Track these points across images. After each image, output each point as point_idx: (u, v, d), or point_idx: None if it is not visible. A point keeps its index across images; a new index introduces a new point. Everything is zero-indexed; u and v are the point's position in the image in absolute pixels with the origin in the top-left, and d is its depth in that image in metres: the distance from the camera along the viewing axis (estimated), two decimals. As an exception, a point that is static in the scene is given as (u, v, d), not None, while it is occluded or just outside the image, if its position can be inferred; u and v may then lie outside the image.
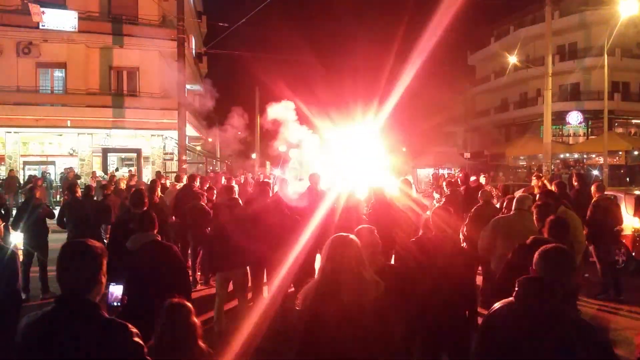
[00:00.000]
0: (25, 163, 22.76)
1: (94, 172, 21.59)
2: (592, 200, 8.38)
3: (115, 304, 3.42)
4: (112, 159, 24.74)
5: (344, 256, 2.86)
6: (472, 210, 7.86)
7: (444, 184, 12.12)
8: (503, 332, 2.47)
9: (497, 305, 2.61)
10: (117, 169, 23.01)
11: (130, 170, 20.64)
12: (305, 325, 2.92)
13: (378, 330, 2.79)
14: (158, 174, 14.90)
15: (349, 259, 2.85)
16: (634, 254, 9.32)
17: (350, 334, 2.74)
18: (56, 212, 9.22)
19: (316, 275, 3.01)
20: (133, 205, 6.09)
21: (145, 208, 6.15)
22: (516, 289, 2.49)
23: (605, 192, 8.83)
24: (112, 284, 3.45)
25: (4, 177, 20.99)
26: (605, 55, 23.90)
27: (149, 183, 11.39)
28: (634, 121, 35.35)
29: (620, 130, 34.43)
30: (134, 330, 2.21)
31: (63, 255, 2.29)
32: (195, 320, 3.06)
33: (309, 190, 8.60)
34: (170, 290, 3.66)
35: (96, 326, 2.14)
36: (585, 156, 33.20)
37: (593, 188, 8.63)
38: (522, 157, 36.39)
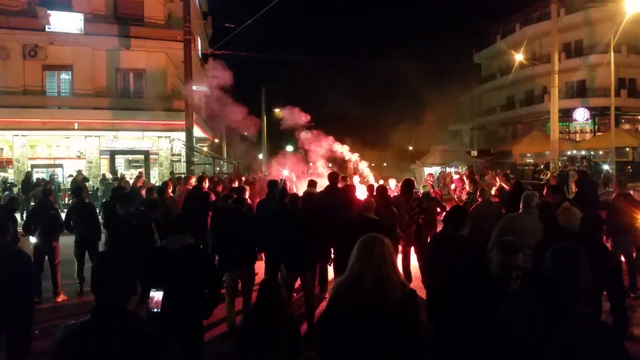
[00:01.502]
0: (33, 166, 22.86)
1: (103, 174, 21.73)
2: (612, 196, 8.44)
3: (155, 309, 3.46)
4: (120, 160, 24.85)
5: (372, 255, 2.90)
6: (472, 209, 7.88)
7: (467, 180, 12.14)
8: (513, 330, 2.48)
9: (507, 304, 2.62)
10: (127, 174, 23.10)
11: (139, 172, 20.70)
12: (327, 320, 2.98)
13: (400, 332, 2.82)
14: (172, 175, 14.99)
15: (376, 258, 2.89)
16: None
17: (371, 334, 2.78)
18: (63, 214, 9.27)
19: (345, 273, 3.06)
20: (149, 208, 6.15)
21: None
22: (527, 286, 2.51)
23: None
24: (153, 289, 3.49)
25: (12, 181, 21.15)
26: (612, 52, 23.80)
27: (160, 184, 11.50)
28: (640, 117, 35.17)
29: (627, 126, 34.24)
30: (171, 341, 2.20)
31: (99, 265, 2.27)
32: (282, 292, 3.84)
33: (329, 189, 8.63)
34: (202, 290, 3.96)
35: (134, 338, 2.11)
36: (592, 153, 33.05)
37: (614, 184, 8.69)
38: (529, 155, 36.26)
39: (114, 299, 2.18)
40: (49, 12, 21.16)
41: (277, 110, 39.95)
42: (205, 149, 29.79)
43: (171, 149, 24.10)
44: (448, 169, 32.49)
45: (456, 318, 3.57)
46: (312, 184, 9.81)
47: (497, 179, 11.15)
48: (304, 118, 14.07)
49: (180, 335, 2.63)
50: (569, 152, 32.61)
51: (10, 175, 22.13)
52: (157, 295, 3.53)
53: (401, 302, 2.84)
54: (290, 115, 14.82)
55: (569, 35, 34.01)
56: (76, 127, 21.96)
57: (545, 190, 8.16)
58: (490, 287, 3.37)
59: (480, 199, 8.17)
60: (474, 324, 2.85)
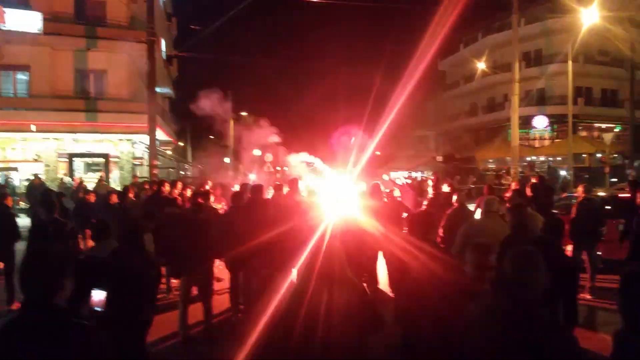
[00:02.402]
0: (-14, 169, 22.02)
1: (61, 179, 21.06)
2: (577, 200, 8.73)
3: (97, 308, 3.54)
4: (79, 164, 24.14)
5: (330, 260, 2.97)
6: (447, 213, 7.93)
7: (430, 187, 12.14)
8: (474, 330, 2.56)
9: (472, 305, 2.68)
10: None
11: (101, 176, 20.13)
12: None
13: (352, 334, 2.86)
14: (135, 179, 14.64)
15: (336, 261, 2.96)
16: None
17: (323, 338, 2.82)
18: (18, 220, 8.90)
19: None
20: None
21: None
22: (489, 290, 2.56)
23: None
24: (95, 289, 3.58)
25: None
26: (570, 62, 24.60)
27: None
28: (596, 125, 36.45)
29: (584, 133, 35.45)
30: (101, 332, 2.27)
31: (26, 262, 2.33)
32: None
33: (287, 196, 8.57)
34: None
35: (61, 331, 2.18)
36: (551, 159, 34.09)
37: (580, 188, 8.99)
38: (491, 160, 37.11)
39: (40, 294, 2.24)
40: (4, 9, 20.43)
41: (244, 114, 39.83)
42: (169, 152, 29.31)
43: (133, 152, 23.58)
44: (414, 174, 32.93)
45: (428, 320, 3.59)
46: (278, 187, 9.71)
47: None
48: (226, 106, 13.79)
49: (120, 339, 2.61)
50: (528, 158, 33.51)
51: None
52: (98, 294, 3.55)
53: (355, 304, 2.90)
54: (208, 102, 14.48)
55: (529, 45, 35.01)
56: (33, 130, 21.21)
57: (510, 195, 8.34)
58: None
59: (456, 204, 8.16)
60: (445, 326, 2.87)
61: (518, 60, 20.49)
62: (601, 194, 13.26)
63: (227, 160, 38.40)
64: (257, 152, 17.46)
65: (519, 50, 23.48)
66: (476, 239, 5.16)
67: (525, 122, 32.58)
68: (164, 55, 25.35)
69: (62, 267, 2.33)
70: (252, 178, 13.83)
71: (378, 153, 51.86)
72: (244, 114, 39.58)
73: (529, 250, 2.71)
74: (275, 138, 15.26)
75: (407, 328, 3.89)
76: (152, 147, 16.87)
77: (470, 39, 42.01)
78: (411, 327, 3.86)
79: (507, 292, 2.50)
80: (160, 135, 22.96)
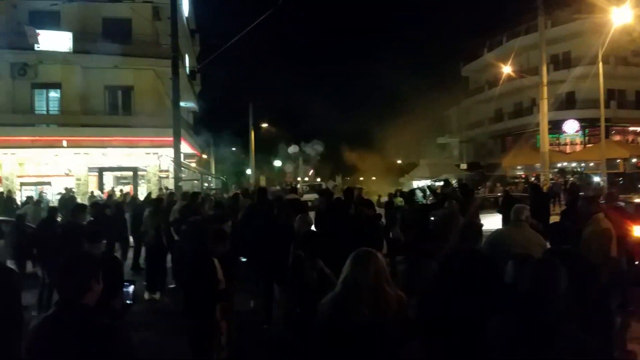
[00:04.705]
0: (22, 184, 22.65)
1: (91, 192, 21.52)
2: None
3: (128, 301, 3.78)
4: (108, 177, 24.64)
5: (366, 269, 2.89)
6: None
7: None
8: (498, 344, 2.50)
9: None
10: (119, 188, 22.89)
11: (129, 189, 20.56)
12: (322, 339, 2.95)
13: (397, 343, 2.85)
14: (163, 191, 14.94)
15: (372, 272, 2.89)
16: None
17: (370, 347, 2.79)
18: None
19: (337, 288, 3.02)
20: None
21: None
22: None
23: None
24: (126, 284, 3.84)
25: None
26: (600, 64, 23.98)
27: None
28: (630, 129, 35.43)
29: (617, 137, 34.50)
30: (126, 330, 2.52)
31: (59, 266, 2.57)
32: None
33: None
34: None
35: (89, 328, 2.39)
36: (583, 165, 33.20)
37: (604, 196, 8.65)
38: (519, 167, 36.38)
39: (71, 294, 2.46)
40: (37, 31, 21.13)
41: (264, 125, 40.16)
42: (193, 164, 29.65)
43: (159, 165, 23.96)
44: (437, 183, 32.53)
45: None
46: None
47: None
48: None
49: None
50: (559, 164, 32.73)
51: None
52: (129, 288, 3.78)
53: (399, 314, 2.85)
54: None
55: (556, 47, 34.32)
56: (65, 145, 21.77)
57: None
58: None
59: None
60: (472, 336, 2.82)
61: (545, 64, 20.10)
62: (638, 200, 12.76)
63: (248, 171, 38.73)
64: (277, 163, 17.53)
65: (547, 52, 23.08)
66: (500, 248, 5.02)
67: (555, 127, 31.92)
68: (187, 70, 25.78)
69: (90, 271, 2.55)
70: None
71: (399, 162, 51.67)
72: (264, 125, 39.97)
73: (549, 262, 2.63)
74: (295, 148, 15.27)
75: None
76: (177, 160, 17.10)
77: (494, 43, 41.45)
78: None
79: (525, 307, 2.43)
80: (185, 148, 23.26)
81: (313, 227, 6.65)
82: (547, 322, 2.35)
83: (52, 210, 9.23)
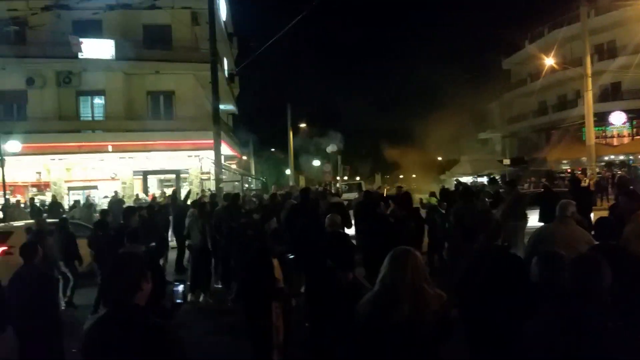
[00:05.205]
0: (69, 188, 23.50)
1: (137, 194, 22.15)
2: None
3: (178, 300, 3.79)
4: (152, 180, 25.31)
5: (405, 268, 2.88)
6: None
7: None
8: (537, 343, 2.46)
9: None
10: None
11: (173, 190, 21.06)
12: (361, 338, 2.96)
13: (436, 342, 2.85)
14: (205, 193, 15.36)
15: (410, 271, 2.88)
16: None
17: (410, 346, 2.79)
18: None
19: (375, 287, 3.02)
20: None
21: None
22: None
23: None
24: (176, 283, 3.87)
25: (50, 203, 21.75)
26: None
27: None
28: (682, 119, 33.77)
29: (668, 128, 32.97)
30: (175, 330, 2.56)
31: (109, 267, 2.66)
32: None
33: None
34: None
35: (141, 327, 2.42)
36: (631, 157, 31.89)
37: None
38: (565, 161, 35.27)
39: (121, 295, 2.49)
40: (81, 39, 21.83)
41: (302, 125, 40.32)
42: (233, 166, 30.09)
43: (200, 167, 24.44)
44: (479, 179, 31.92)
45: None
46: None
47: None
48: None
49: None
50: (606, 157, 31.57)
51: (48, 197, 22.71)
52: (179, 287, 3.81)
53: (438, 313, 2.84)
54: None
55: (600, 37, 33.07)
56: (110, 150, 22.50)
57: None
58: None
59: None
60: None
61: (589, 54, 19.43)
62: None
63: (287, 171, 38.98)
64: (316, 163, 17.58)
65: (590, 43, 22.31)
66: (543, 246, 4.88)
67: (601, 119, 30.79)
68: (226, 73, 26.18)
69: (139, 271, 2.57)
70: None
71: (440, 159, 50.88)
72: (302, 125, 40.12)
73: (591, 258, 2.58)
74: (334, 147, 15.31)
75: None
76: (218, 162, 17.42)
77: (536, 35, 40.31)
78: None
79: (565, 303, 2.40)
80: (225, 150, 23.65)
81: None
82: (590, 320, 2.30)
83: (104, 213, 9.60)
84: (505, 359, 3.18)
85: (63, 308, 8.23)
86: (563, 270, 2.70)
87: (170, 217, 13.11)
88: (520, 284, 3.40)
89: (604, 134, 33.81)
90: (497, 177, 20.80)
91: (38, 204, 19.22)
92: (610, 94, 33.81)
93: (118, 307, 2.49)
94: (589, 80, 18.40)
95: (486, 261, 4.11)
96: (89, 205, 18.80)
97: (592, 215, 10.23)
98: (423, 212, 10.99)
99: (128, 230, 5.59)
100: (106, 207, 19.80)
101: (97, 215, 19.28)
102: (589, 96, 18.41)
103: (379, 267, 3.06)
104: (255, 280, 4.88)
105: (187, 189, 19.52)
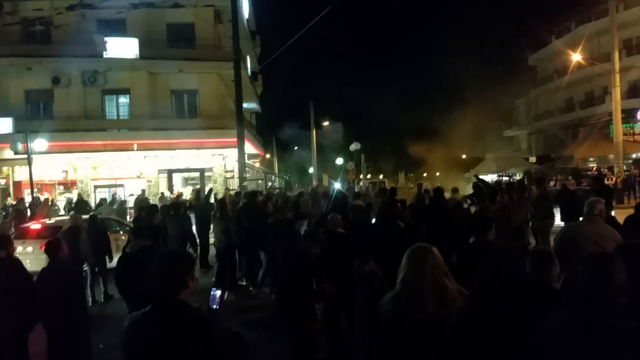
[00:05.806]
0: (95, 186, 23.93)
1: (162, 192, 22.45)
2: None
3: (215, 306, 3.76)
4: (177, 179, 25.62)
5: (424, 265, 2.86)
6: None
7: None
8: (554, 343, 2.41)
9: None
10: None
11: (196, 188, 21.29)
12: (385, 337, 2.93)
13: (462, 338, 2.81)
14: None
15: (429, 268, 2.86)
16: None
17: (436, 344, 2.76)
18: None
19: (397, 287, 2.99)
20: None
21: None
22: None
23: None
24: (213, 288, 3.79)
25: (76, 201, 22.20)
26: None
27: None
28: None
29: (698, 125, 32.01)
30: (221, 328, 2.56)
31: (156, 262, 2.58)
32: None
33: None
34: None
35: (184, 324, 2.41)
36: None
37: None
38: (592, 159, 34.56)
39: (168, 292, 2.48)
40: (105, 39, 22.13)
41: (326, 124, 40.34)
42: (256, 164, 30.26)
43: (224, 165, 24.63)
44: (505, 177, 31.48)
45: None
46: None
47: None
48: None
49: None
50: (634, 155, 30.84)
51: (75, 196, 23.18)
52: (216, 293, 3.75)
53: (463, 309, 2.81)
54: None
55: (629, 32, 32.27)
56: (135, 148, 22.81)
57: None
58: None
59: None
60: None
61: (618, 49, 19.00)
62: None
63: (311, 169, 39.00)
64: (339, 162, 17.57)
65: (619, 38, 21.79)
66: (569, 244, 4.81)
67: (629, 116, 30.06)
68: (249, 72, 26.30)
69: (185, 268, 2.57)
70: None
71: (464, 156, 50.32)
72: (325, 123, 40.13)
73: (605, 255, 2.53)
74: (357, 145, 15.27)
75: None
76: (242, 161, 17.53)
77: (562, 30, 39.53)
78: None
79: (583, 302, 2.34)
80: (249, 148, 23.78)
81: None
82: (604, 318, 2.26)
83: (140, 209, 9.88)
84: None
85: (90, 305, 8.43)
86: (555, 267, 2.83)
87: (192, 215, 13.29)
88: (509, 281, 3.37)
89: (631, 131, 33.00)
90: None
91: (65, 202, 19.67)
92: (639, 90, 32.98)
93: (163, 304, 2.47)
94: (617, 76, 18.00)
95: (475, 256, 4.13)
96: (121, 202, 19.16)
97: (612, 213, 10.05)
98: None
99: (132, 227, 5.78)
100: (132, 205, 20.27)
101: (130, 211, 19.83)
102: (616, 92, 18.01)
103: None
104: (295, 284, 4.74)
105: (209, 187, 19.68)
